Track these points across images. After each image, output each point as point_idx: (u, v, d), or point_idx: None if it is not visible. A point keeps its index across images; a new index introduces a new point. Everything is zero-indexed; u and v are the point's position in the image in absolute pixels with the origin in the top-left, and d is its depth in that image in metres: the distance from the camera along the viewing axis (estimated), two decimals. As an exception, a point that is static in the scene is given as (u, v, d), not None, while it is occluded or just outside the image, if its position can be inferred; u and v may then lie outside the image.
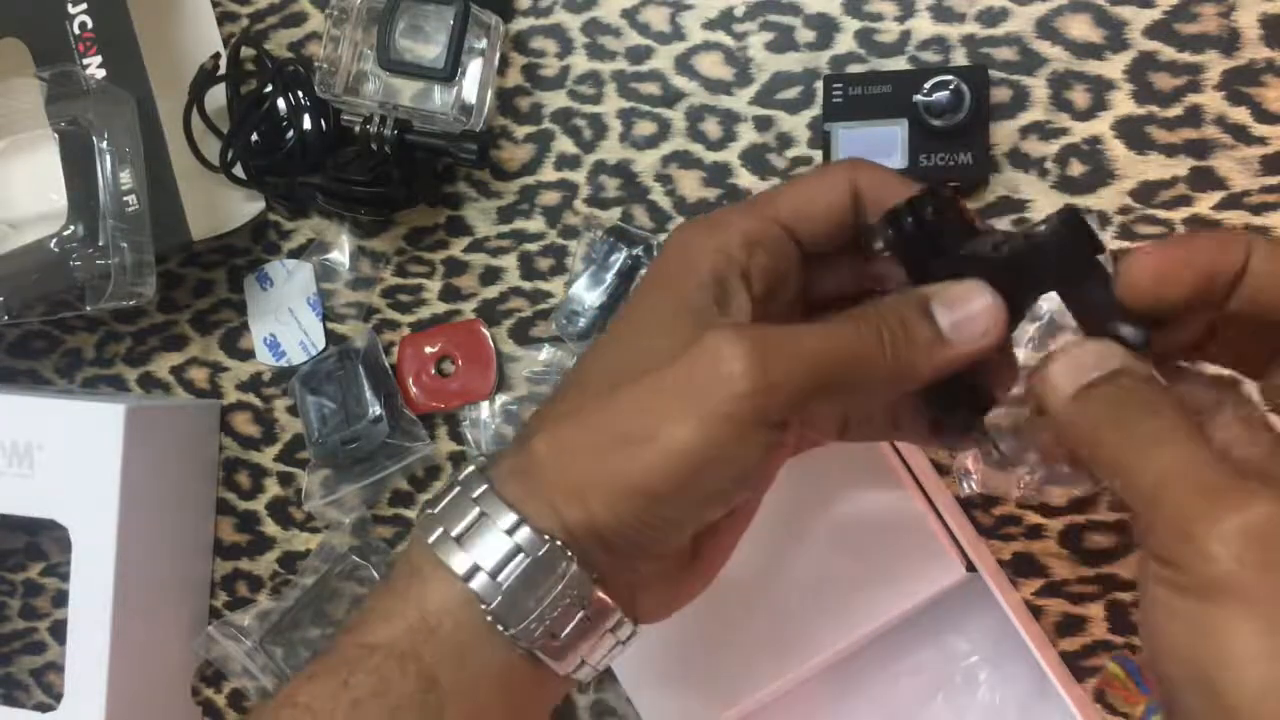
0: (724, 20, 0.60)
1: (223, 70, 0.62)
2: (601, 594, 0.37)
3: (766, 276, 0.38)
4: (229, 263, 0.67)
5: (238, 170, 0.62)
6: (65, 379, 0.70)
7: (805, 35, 0.59)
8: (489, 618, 0.36)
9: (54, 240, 0.58)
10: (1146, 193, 0.55)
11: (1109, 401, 0.33)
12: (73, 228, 0.58)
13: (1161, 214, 0.55)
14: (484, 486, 0.37)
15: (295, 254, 0.66)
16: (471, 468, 0.38)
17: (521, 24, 0.62)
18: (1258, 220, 0.54)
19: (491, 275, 0.63)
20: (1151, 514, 0.31)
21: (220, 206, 0.64)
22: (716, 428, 0.34)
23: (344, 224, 0.65)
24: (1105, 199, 0.56)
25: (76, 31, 0.59)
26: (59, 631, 0.70)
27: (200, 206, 0.62)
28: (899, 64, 0.58)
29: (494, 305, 0.63)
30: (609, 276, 0.60)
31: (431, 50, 0.59)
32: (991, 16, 0.57)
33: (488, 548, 0.36)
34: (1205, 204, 0.55)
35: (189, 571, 0.67)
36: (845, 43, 0.58)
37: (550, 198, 0.62)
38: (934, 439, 0.42)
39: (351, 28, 0.59)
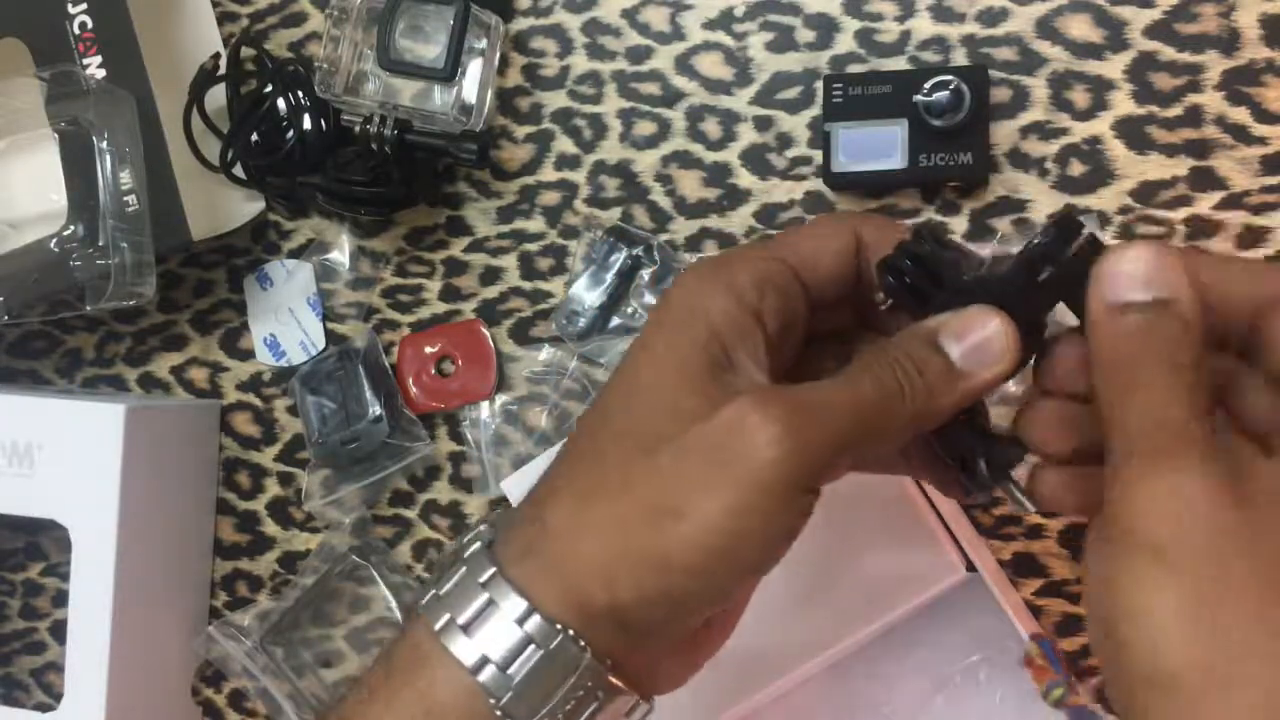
0: (724, 20, 0.60)
1: (223, 70, 0.62)
2: (616, 680, 0.35)
3: (779, 317, 0.37)
4: (229, 263, 0.67)
5: (238, 170, 0.62)
6: (65, 379, 0.70)
7: (805, 35, 0.59)
8: (499, 712, 0.34)
9: (54, 240, 0.58)
10: (1146, 193, 0.55)
11: (1137, 330, 0.31)
12: (73, 228, 0.58)
13: (1162, 214, 0.55)
14: (491, 570, 0.35)
15: (295, 254, 0.66)
16: (478, 544, 0.37)
17: (521, 24, 0.62)
18: (1258, 220, 0.54)
19: (491, 275, 0.63)
20: (1114, 457, 0.31)
21: (220, 206, 0.64)
22: (751, 497, 0.33)
23: (344, 224, 0.65)
24: (1105, 199, 0.56)
25: (76, 31, 0.59)
26: (59, 631, 0.70)
27: (200, 206, 0.62)
28: (899, 64, 0.58)
29: (494, 305, 0.63)
30: (609, 276, 0.60)
31: (431, 50, 0.59)
32: (991, 16, 0.57)
33: (496, 638, 0.35)
34: (1205, 204, 0.55)
35: (189, 571, 0.67)
36: (845, 43, 0.58)
37: (550, 198, 0.62)
38: (952, 489, 0.40)
39: (351, 28, 0.59)
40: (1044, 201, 0.56)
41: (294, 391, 0.65)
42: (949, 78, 0.54)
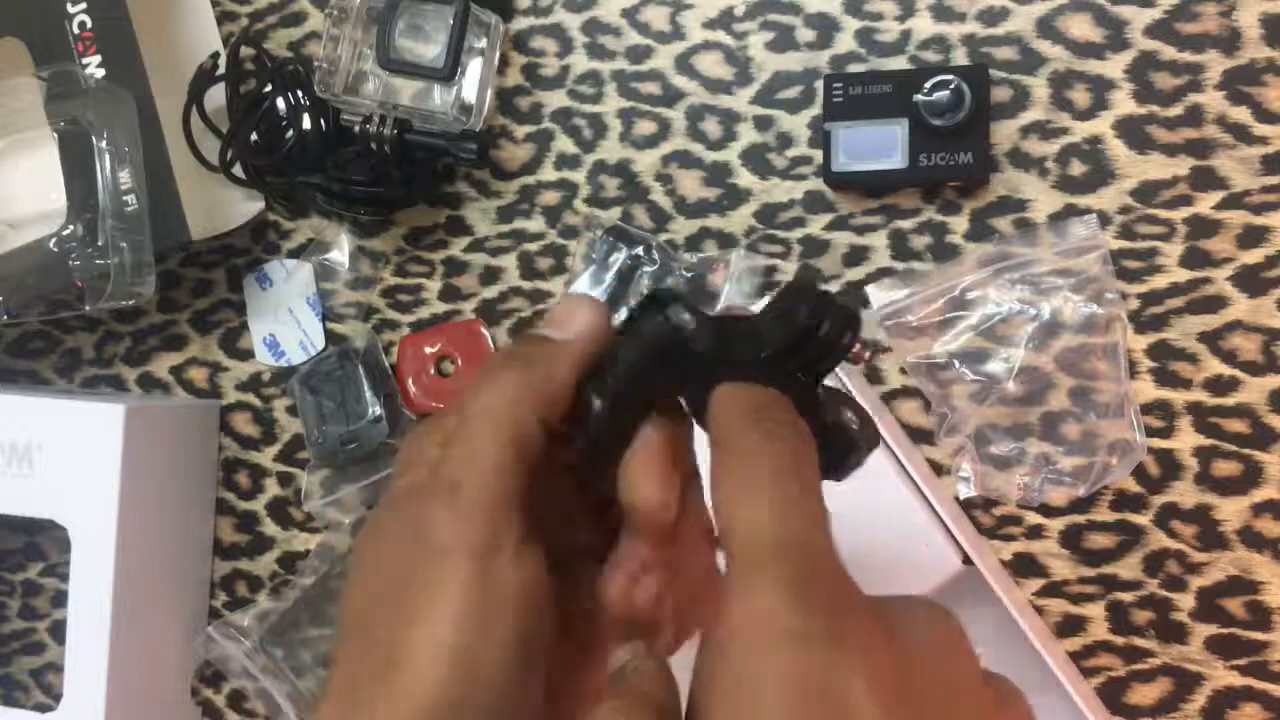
0: (724, 20, 0.60)
1: (222, 70, 0.62)
2: None
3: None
4: (228, 262, 0.67)
5: (237, 170, 0.62)
6: (65, 379, 0.70)
7: (805, 35, 0.59)
8: None
9: (54, 240, 0.58)
10: (1147, 192, 0.55)
11: None
12: (72, 227, 0.58)
13: (1162, 214, 0.55)
14: None
15: (295, 254, 0.66)
16: None
17: (521, 24, 0.62)
18: (1258, 220, 0.54)
19: (491, 275, 0.63)
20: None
21: (220, 206, 0.64)
22: None
23: (344, 224, 0.65)
24: (1106, 199, 0.56)
25: (76, 31, 0.59)
26: (58, 632, 0.70)
27: (200, 206, 0.62)
28: (899, 63, 0.58)
29: (494, 305, 0.63)
30: (609, 276, 0.60)
31: (431, 50, 0.58)
32: (992, 16, 0.57)
33: None
34: (1206, 203, 0.55)
35: (189, 571, 0.67)
36: (845, 42, 0.58)
37: (550, 197, 0.62)
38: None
39: (351, 27, 0.59)
40: (1044, 201, 0.56)
41: (293, 391, 0.65)
42: (949, 77, 0.54)
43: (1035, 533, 0.57)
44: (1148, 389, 0.55)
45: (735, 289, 0.59)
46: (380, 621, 0.30)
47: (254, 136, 0.62)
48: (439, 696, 0.28)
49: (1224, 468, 0.55)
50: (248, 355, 0.67)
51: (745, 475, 0.29)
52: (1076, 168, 0.56)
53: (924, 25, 0.57)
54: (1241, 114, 0.54)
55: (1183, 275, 0.55)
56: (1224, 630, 0.55)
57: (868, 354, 0.33)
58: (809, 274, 0.32)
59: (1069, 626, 0.57)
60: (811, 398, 0.31)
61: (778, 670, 0.26)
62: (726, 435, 0.30)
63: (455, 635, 0.29)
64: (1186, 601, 0.55)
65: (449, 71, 0.58)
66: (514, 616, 0.29)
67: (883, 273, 0.58)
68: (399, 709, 0.28)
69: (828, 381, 0.32)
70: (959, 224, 0.57)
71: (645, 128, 0.61)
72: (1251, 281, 0.54)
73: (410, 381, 0.63)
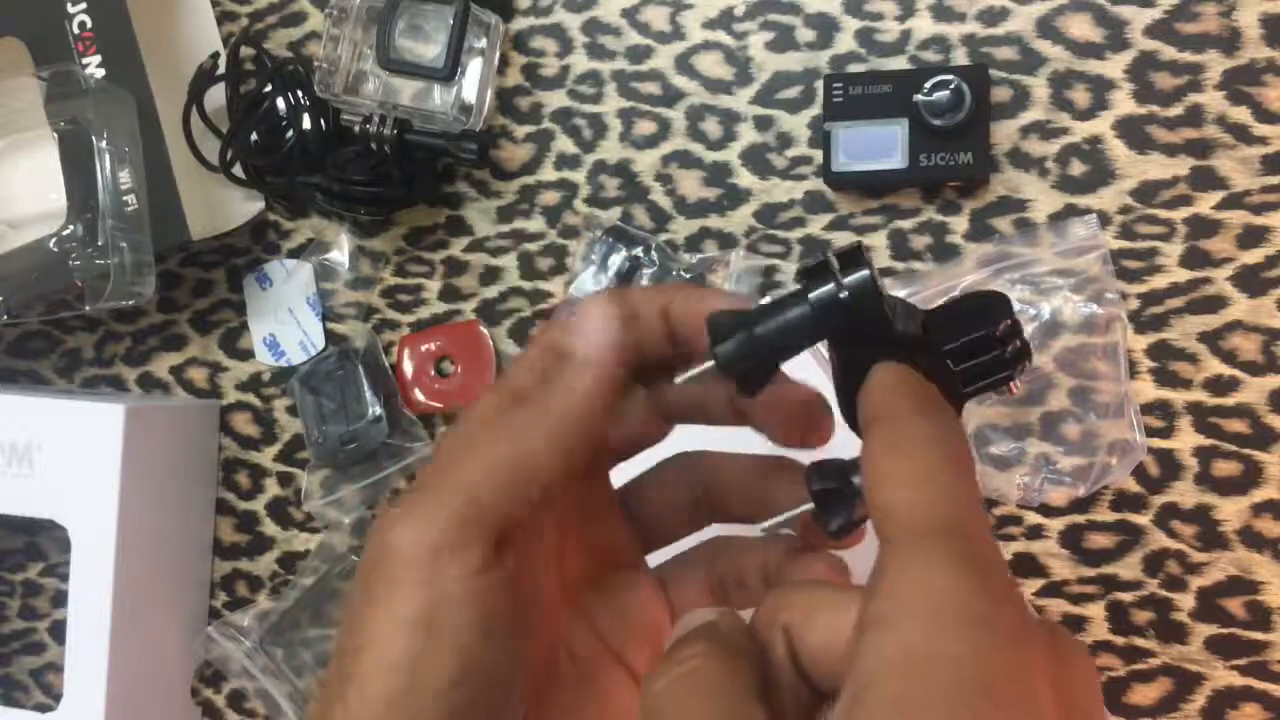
0: (724, 20, 0.60)
1: (222, 70, 0.62)
2: None
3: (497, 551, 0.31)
4: (228, 262, 0.67)
5: (237, 170, 0.62)
6: (65, 379, 0.70)
7: (805, 35, 0.59)
8: None
9: (53, 240, 0.58)
10: (1147, 192, 0.55)
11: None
12: (72, 227, 0.58)
13: (1162, 214, 0.55)
14: None
15: (295, 254, 0.66)
16: None
17: (521, 23, 0.62)
18: (1258, 220, 0.54)
19: (491, 275, 0.63)
20: None
21: (220, 206, 0.64)
22: None
23: (344, 224, 0.65)
24: (1106, 199, 0.56)
25: (76, 31, 0.59)
26: (58, 631, 0.70)
27: (200, 206, 0.62)
28: (899, 63, 0.58)
29: (494, 305, 0.63)
30: (609, 276, 0.60)
31: (431, 50, 0.58)
32: (992, 16, 0.57)
33: None
34: (1206, 204, 0.55)
35: (189, 571, 0.67)
36: (845, 42, 0.58)
37: (550, 197, 0.62)
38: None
39: (351, 27, 0.59)
40: (1044, 201, 0.56)
41: (293, 391, 0.65)
42: (949, 77, 0.54)
43: (1035, 533, 0.57)
44: (1148, 389, 0.55)
45: (735, 289, 0.59)
46: (345, 626, 0.31)
47: (254, 136, 0.62)
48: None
49: (1224, 468, 0.55)
50: (248, 355, 0.67)
51: (913, 455, 0.28)
52: (1076, 168, 0.56)
53: (924, 25, 0.57)
54: (1241, 114, 0.54)
55: (1183, 275, 0.55)
56: (1224, 630, 0.55)
57: (1015, 389, 0.33)
58: (999, 294, 0.33)
59: (1069, 626, 0.57)
60: (957, 402, 0.32)
61: (958, 652, 0.24)
62: (891, 412, 0.29)
63: (401, 644, 0.30)
64: (1186, 601, 0.55)
65: (449, 71, 0.58)
66: (466, 617, 0.30)
67: (883, 273, 0.58)
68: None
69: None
70: (959, 224, 0.57)
71: (645, 128, 0.61)
72: (1251, 281, 0.54)
73: (410, 381, 0.63)
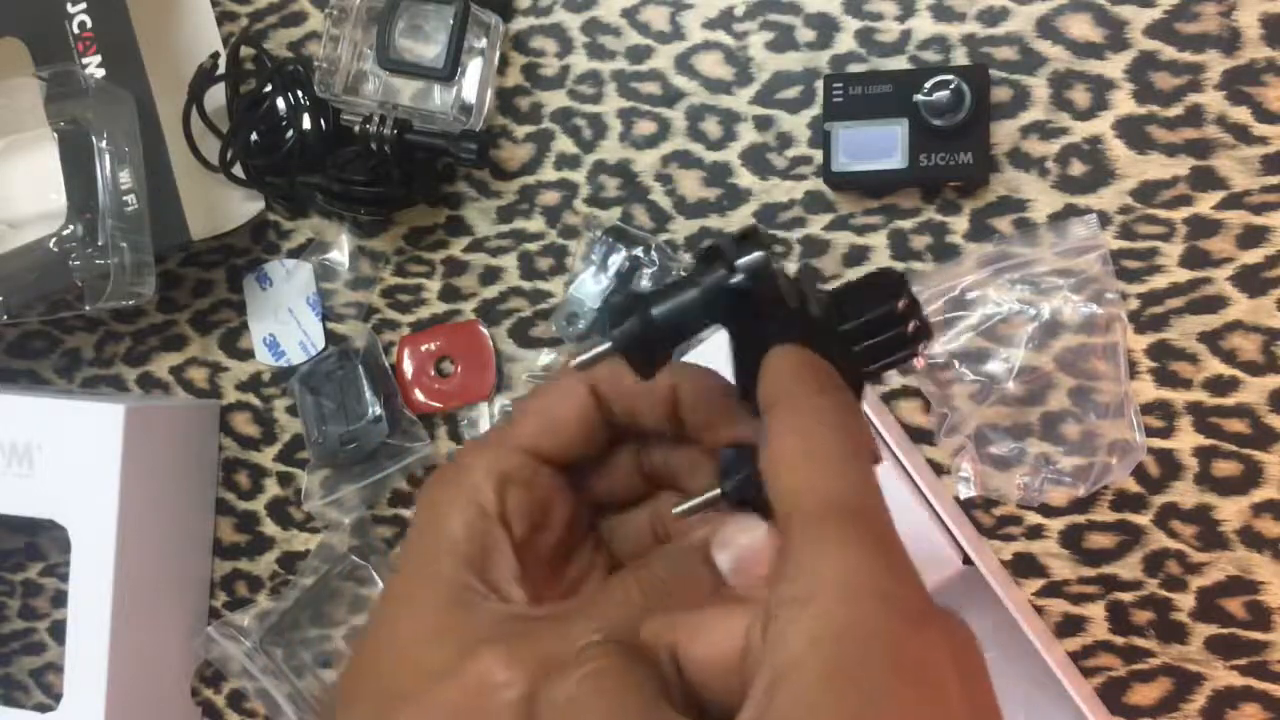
0: (724, 20, 0.60)
1: (222, 70, 0.62)
2: None
3: (527, 513, 0.34)
4: (228, 262, 0.67)
5: (237, 170, 0.62)
6: (65, 379, 0.70)
7: (805, 35, 0.59)
8: None
9: (53, 240, 0.58)
10: (1147, 192, 0.55)
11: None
12: (72, 227, 0.58)
13: (1162, 214, 0.55)
14: None
15: (295, 254, 0.66)
16: None
17: (521, 24, 0.62)
18: (1258, 220, 0.54)
19: (491, 275, 0.63)
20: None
21: (220, 206, 0.64)
22: None
23: (344, 224, 0.65)
24: (1106, 199, 0.56)
25: (76, 31, 0.59)
26: (58, 632, 0.70)
27: (200, 206, 0.62)
28: (899, 63, 0.58)
29: (494, 305, 0.63)
30: (609, 277, 0.60)
31: (431, 50, 0.58)
32: (992, 16, 0.57)
33: None
34: (1206, 204, 0.55)
35: (189, 571, 0.67)
36: (845, 42, 0.58)
37: (550, 197, 0.62)
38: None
39: (351, 27, 0.59)
40: (1044, 201, 0.56)
41: (293, 391, 0.65)
42: (949, 77, 0.54)
43: (1035, 533, 0.57)
44: (1148, 389, 0.55)
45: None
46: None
47: (254, 136, 0.62)
48: None
49: (1224, 468, 0.55)
50: (248, 355, 0.67)
51: (814, 438, 0.28)
52: (1076, 168, 0.56)
53: (924, 25, 0.57)
54: (1241, 114, 0.54)
55: (1183, 275, 0.55)
56: (1224, 630, 0.55)
57: (920, 363, 0.33)
58: (895, 272, 0.33)
59: (1069, 626, 0.57)
60: (857, 382, 0.32)
61: (874, 627, 0.24)
62: (790, 395, 0.30)
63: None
64: (1186, 601, 0.55)
65: (449, 71, 0.58)
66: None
67: (883, 273, 0.58)
68: None
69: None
70: (959, 224, 0.57)
71: (645, 128, 0.61)
72: (1251, 281, 0.54)
73: (410, 381, 0.63)
